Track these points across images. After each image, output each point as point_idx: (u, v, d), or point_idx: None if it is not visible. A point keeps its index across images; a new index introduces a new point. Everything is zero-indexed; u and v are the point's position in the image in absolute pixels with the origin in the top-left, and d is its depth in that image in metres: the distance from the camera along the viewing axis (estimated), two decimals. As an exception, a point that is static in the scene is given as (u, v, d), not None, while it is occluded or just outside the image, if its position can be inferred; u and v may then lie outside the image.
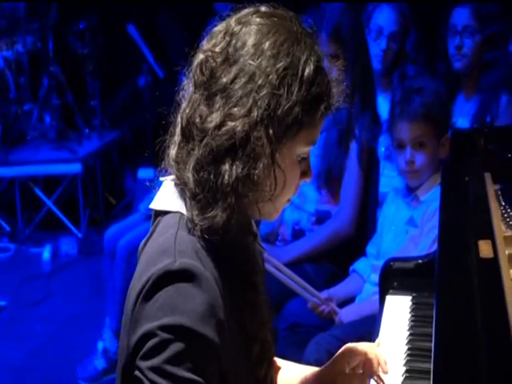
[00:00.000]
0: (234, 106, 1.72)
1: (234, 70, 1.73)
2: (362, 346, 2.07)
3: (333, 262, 4.00)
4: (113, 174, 7.91)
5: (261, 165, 1.71)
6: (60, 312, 5.88)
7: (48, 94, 7.79)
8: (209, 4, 6.83)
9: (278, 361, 2.19)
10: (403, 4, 5.06)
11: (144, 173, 6.23)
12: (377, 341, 2.19)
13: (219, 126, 1.71)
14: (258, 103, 1.71)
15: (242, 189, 1.72)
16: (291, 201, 3.97)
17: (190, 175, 1.75)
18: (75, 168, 7.31)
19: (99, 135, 7.83)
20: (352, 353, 2.06)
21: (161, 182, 1.88)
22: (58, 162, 7.44)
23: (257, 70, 1.72)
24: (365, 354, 2.04)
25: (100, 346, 4.75)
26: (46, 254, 6.93)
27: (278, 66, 1.72)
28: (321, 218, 4.07)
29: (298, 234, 4.13)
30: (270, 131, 1.71)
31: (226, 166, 1.71)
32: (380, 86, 4.95)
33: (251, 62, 1.73)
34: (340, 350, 2.09)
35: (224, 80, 1.74)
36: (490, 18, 4.68)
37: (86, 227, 7.31)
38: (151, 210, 1.90)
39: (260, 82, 1.71)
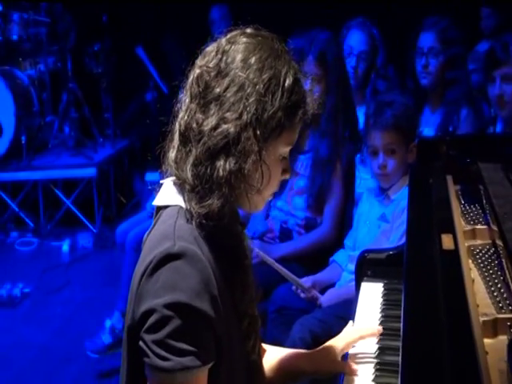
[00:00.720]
0: (227, 111, 1.76)
1: (226, 81, 1.78)
2: (352, 333, 2.21)
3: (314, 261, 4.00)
4: (123, 177, 7.91)
5: (250, 160, 1.75)
6: (77, 297, 5.87)
7: (67, 107, 7.81)
8: (206, 30, 6.89)
9: (263, 345, 2.20)
10: (373, 27, 5.07)
11: (151, 176, 6.21)
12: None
13: (214, 128, 1.76)
14: (248, 108, 1.75)
15: (234, 181, 1.76)
16: (282, 207, 4.04)
17: (188, 171, 1.79)
18: (91, 172, 7.32)
19: (112, 143, 7.87)
20: (350, 345, 2.19)
21: (161, 184, 1.91)
22: (76, 167, 7.45)
23: (246, 80, 1.76)
24: (360, 338, 2.20)
25: (108, 323, 4.75)
26: (65, 247, 6.94)
27: (263, 77, 1.77)
28: (308, 223, 4.08)
29: (284, 231, 4.13)
30: (258, 132, 1.76)
31: (221, 162, 1.76)
32: (354, 100, 4.98)
33: (241, 73, 1.77)
34: (335, 346, 2.17)
35: (217, 90, 1.78)
36: (452, 42, 4.68)
37: (101, 223, 7.31)
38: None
39: (249, 90, 1.76)
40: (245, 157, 1.75)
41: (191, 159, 1.79)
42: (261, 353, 2.05)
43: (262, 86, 1.77)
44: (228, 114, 1.76)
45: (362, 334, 2.23)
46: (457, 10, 5.38)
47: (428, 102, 4.69)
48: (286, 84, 1.79)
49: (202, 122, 1.78)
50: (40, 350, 5.03)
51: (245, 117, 1.75)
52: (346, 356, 2.19)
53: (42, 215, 7.42)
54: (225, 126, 1.75)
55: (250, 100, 1.76)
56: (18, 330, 5.37)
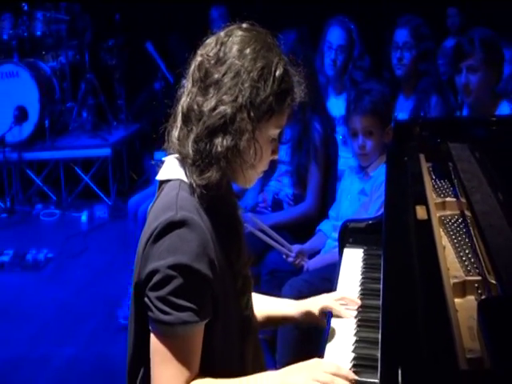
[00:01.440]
0: (224, 94, 1.75)
1: (224, 68, 1.77)
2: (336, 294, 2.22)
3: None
4: (135, 156, 7.88)
5: (245, 138, 1.74)
6: (95, 262, 5.86)
7: (85, 95, 7.81)
8: (207, 27, 6.82)
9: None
10: (351, 24, 5.04)
11: (159, 155, 6.16)
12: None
13: (213, 109, 1.75)
14: (243, 92, 1.75)
15: (231, 156, 1.75)
16: (275, 186, 4.04)
17: (190, 147, 1.78)
18: (106, 152, 7.32)
19: (124, 127, 7.88)
20: (330, 300, 2.17)
21: (163, 161, 1.90)
22: (93, 148, 7.43)
23: (241, 68, 1.76)
24: (342, 298, 2.19)
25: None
26: (84, 217, 6.95)
27: (257, 65, 1.76)
28: (296, 198, 4.10)
29: (277, 201, 4.12)
30: (251, 113, 1.76)
31: (219, 139, 1.75)
32: (334, 90, 4.97)
33: (237, 62, 1.76)
34: (317, 300, 2.19)
35: (216, 76, 1.77)
36: (423, 37, 4.68)
37: (115, 197, 7.29)
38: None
39: (244, 76, 1.75)
40: (240, 135, 1.75)
41: (192, 136, 1.78)
42: (252, 307, 2.02)
43: (255, 73, 1.76)
44: (225, 97, 1.75)
45: (344, 295, 2.21)
46: (427, 9, 5.34)
47: (402, 90, 4.69)
48: (277, 73, 1.78)
49: (202, 104, 1.77)
50: (61, 308, 5.03)
51: (240, 99, 1.74)
52: (330, 315, 2.15)
53: (63, 190, 7.42)
54: (222, 107, 1.74)
55: (245, 85, 1.75)
56: (42, 290, 5.37)
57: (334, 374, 1.71)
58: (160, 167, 1.90)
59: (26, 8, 7.69)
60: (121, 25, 7.92)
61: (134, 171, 7.84)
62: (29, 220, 7.04)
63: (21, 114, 7.31)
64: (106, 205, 7.21)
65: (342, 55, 4.89)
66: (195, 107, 1.78)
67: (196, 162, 1.77)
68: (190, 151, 1.78)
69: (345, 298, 2.19)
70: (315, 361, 1.77)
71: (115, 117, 8.01)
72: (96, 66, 7.97)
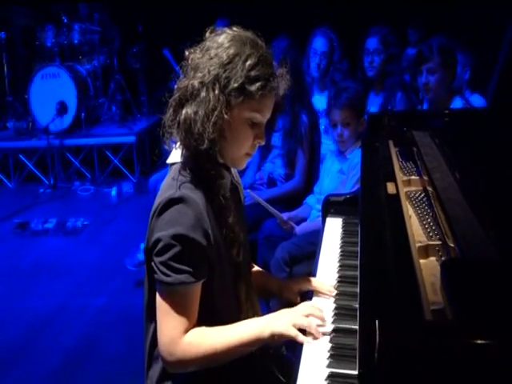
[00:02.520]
0: (196, 73, 1.69)
1: (203, 56, 1.72)
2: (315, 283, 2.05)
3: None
4: (155, 142, 7.79)
5: (206, 107, 1.66)
6: (122, 228, 5.82)
7: (114, 92, 7.80)
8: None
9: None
10: (332, 34, 5.00)
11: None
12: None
13: (186, 86, 1.70)
14: (211, 72, 1.68)
15: (194, 124, 1.67)
16: (269, 165, 3.99)
17: (175, 130, 1.74)
18: (131, 139, 7.29)
19: (146, 118, 7.82)
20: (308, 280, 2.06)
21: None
22: (121, 135, 7.40)
23: (215, 54, 1.70)
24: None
25: (142, 246, 4.67)
26: (113, 192, 6.90)
27: (229, 53, 1.69)
28: (287, 176, 4.07)
29: (271, 180, 4.11)
30: (216, 90, 1.67)
31: (185, 110, 1.70)
32: (318, 88, 4.93)
33: (214, 50, 1.70)
34: (297, 280, 2.13)
35: (196, 61, 1.72)
36: (390, 45, 4.69)
37: (139, 175, 7.26)
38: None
39: (215, 60, 1.69)
40: (203, 104, 1.66)
41: (171, 111, 1.74)
42: (248, 258, 1.99)
43: (225, 58, 1.69)
44: (196, 75, 1.69)
45: (321, 282, 2.05)
46: (393, 21, 5.29)
47: (373, 88, 4.67)
48: (248, 61, 1.69)
49: (181, 82, 1.73)
50: (95, 266, 5.02)
51: (206, 76, 1.68)
52: (311, 293, 2.04)
53: (96, 170, 7.39)
54: (191, 82, 1.69)
55: (214, 66, 1.68)
56: (79, 251, 5.36)
57: (310, 315, 1.71)
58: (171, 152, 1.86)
59: (65, 21, 7.72)
60: (143, 34, 7.94)
61: (154, 154, 7.79)
62: (68, 194, 7.02)
63: (62, 108, 7.33)
64: (132, 182, 7.19)
65: (325, 60, 4.84)
66: (177, 86, 1.74)
67: (182, 143, 1.73)
68: (177, 133, 1.73)
69: (321, 289, 2.01)
70: (295, 307, 1.76)
71: (139, 110, 8.00)
72: (123, 69, 7.95)
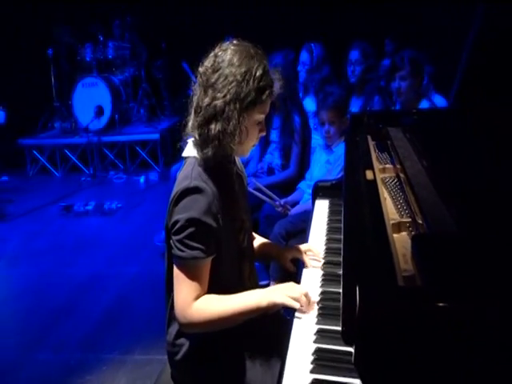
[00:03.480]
0: (218, 93, 1.64)
1: (217, 74, 1.66)
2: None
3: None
4: (175, 139, 7.80)
5: (232, 124, 1.63)
6: (149, 210, 5.80)
7: (142, 98, 7.80)
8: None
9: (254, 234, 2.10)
10: (319, 47, 4.87)
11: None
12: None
13: (209, 104, 1.65)
14: (230, 91, 1.63)
15: (222, 137, 1.65)
16: (268, 156, 3.92)
17: (196, 133, 1.70)
18: (156, 136, 7.26)
19: (168, 119, 7.80)
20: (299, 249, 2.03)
21: (187, 143, 1.80)
22: (148, 133, 7.36)
23: (229, 73, 1.64)
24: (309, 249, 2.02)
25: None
26: (142, 180, 6.91)
27: (241, 70, 1.64)
28: (283, 166, 4.02)
29: (270, 169, 4.06)
30: (237, 105, 1.64)
31: (213, 125, 1.65)
32: (311, 93, 4.85)
33: (227, 69, 1.64)
34: (290, 248, 2.07)
35: (212, 80, 1.66)
36: (369, 56, 4.63)
37: (163, 166, 7.23)
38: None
39: (231, 79, 1.63)
40: (228, 122, 1.64)
41: (196, 125, 1.69)
42: (251, 242, 1.95)
43: (239, 77, 1.63)
44: (218, 95, 1.64)
45: (311, 246, 2.06)
46: (371, 36, 5.21)
47: (354, 92, 4.61)
48: (257, 74, 1.64)
49: (203, 101, 1.66)
50: (127, 241, 5.00)
51: (228, 96, 1.63)
52: (302, 263, 2.02)
53: (128, 161, 7.37)
54: (214, 102, 1.64)
55: (232, 85, 1.63)
56: (114, 229, 5.34)
57: (303, 294, 1.67)
58: (185, 147, 1.81)
59: (101, 39, 7.69)
60: (166, 50, 7.93)
61: (174, 149, 7.75)
62: (105, 182, 6.99)
63: (99, 111, 7.34)
64: (157, 171, 7.17)
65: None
66: (199, 104, 1.68)
67: (199, 143, 1.70)
68: (196, 135, 1.70)
69: (311, 250, 2.03)
70: (291, 283, 1.72)
71: (162, 112, 7.99)
72: (149, 78, 7.94)
